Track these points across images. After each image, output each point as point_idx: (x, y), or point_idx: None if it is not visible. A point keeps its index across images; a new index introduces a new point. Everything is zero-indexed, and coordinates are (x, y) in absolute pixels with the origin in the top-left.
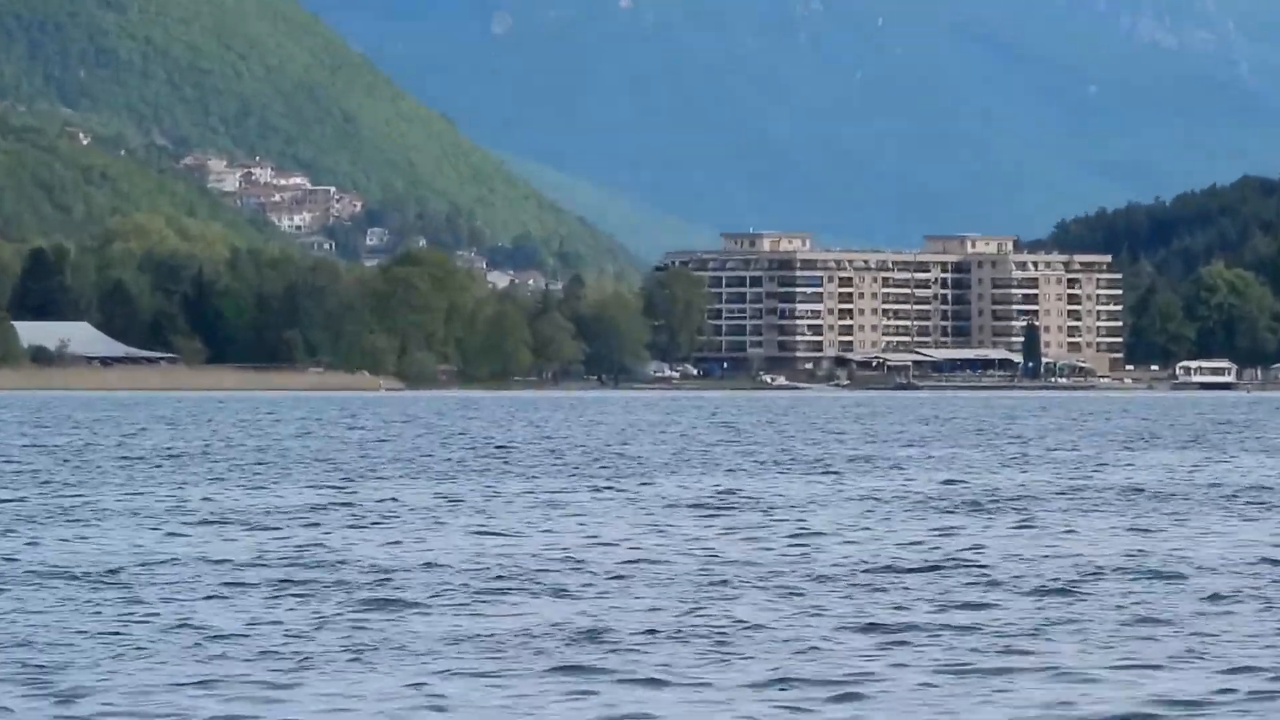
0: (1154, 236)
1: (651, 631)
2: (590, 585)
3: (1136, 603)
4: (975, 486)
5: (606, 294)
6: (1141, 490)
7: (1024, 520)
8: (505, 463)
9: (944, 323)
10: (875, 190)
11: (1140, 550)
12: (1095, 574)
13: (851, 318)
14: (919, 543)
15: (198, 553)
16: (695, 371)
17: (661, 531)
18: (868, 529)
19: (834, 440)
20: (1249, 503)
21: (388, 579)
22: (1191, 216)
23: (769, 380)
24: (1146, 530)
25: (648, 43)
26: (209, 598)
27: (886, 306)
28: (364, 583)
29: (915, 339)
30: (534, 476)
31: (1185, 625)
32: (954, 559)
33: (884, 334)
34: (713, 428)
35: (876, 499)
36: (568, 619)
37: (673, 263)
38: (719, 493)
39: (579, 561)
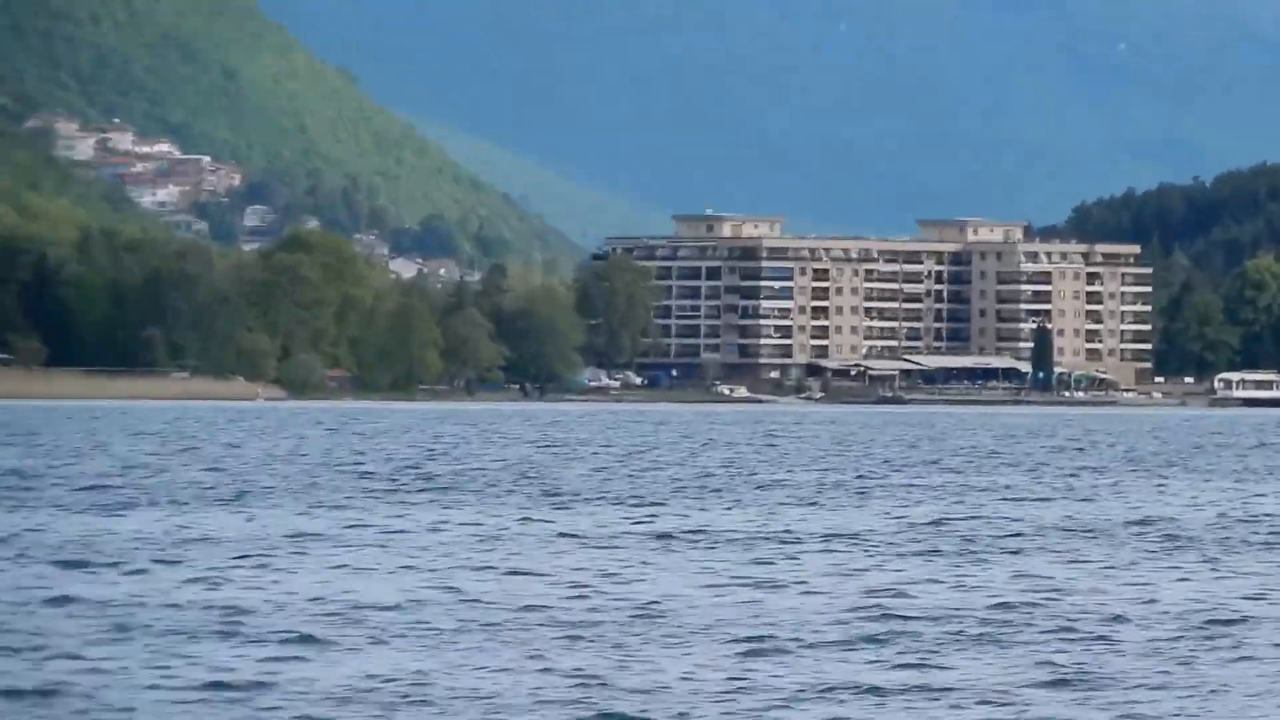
0: (1190, 224)
1: (570, 698)
2: (495, 636)
3: (1155, 656)
4: (968, 523)
5: (533, 287)
6: (1167, 529)
7: (1020, 564)
8: (402, 490)
9: (938, 324)
10: (868, 175)
11: (1156, 599)
12: (1107, 626)
13: (827, 317)
14: (893, 589)
15: (30, 593)
16: (639, 380)
17: (585, 571)
18: (834, 572)
19: (801, 466)
20: None
21: (253, 624)
22: (1235, 200)
23: (727, 391)
24: (1175, 577)
25: None
26: (36, 649)
27: (869, 305)
28: (224, 630)
29: (903, 344)
30: (443, 506)
31: (1207, 681)
32: (939, 608)
33: (866, 337)
34: (663, 448)
35: (848, 536)
36: (466, 675)
37: (614, 250)
38: (655, 528)
39: (483, 606)
